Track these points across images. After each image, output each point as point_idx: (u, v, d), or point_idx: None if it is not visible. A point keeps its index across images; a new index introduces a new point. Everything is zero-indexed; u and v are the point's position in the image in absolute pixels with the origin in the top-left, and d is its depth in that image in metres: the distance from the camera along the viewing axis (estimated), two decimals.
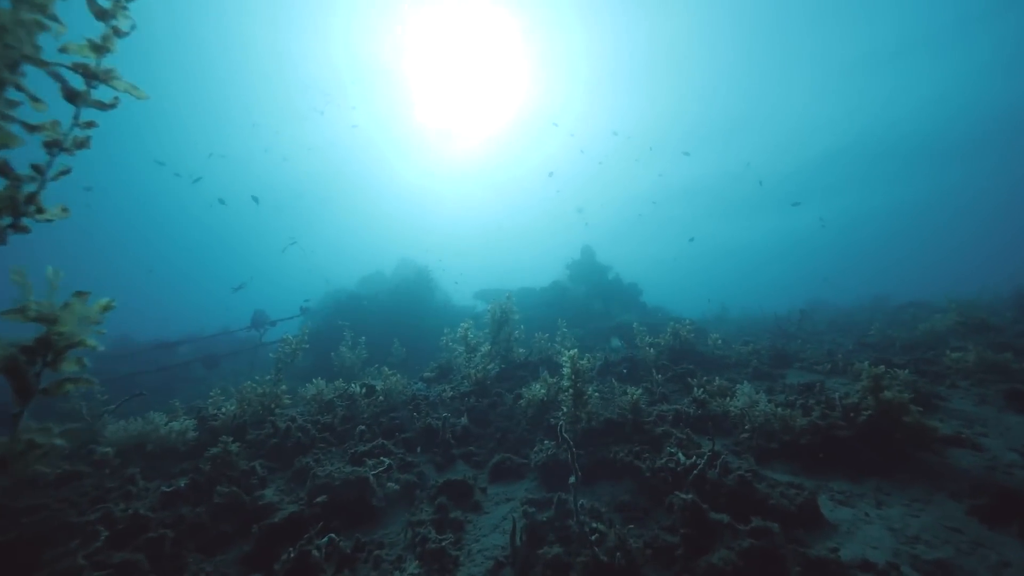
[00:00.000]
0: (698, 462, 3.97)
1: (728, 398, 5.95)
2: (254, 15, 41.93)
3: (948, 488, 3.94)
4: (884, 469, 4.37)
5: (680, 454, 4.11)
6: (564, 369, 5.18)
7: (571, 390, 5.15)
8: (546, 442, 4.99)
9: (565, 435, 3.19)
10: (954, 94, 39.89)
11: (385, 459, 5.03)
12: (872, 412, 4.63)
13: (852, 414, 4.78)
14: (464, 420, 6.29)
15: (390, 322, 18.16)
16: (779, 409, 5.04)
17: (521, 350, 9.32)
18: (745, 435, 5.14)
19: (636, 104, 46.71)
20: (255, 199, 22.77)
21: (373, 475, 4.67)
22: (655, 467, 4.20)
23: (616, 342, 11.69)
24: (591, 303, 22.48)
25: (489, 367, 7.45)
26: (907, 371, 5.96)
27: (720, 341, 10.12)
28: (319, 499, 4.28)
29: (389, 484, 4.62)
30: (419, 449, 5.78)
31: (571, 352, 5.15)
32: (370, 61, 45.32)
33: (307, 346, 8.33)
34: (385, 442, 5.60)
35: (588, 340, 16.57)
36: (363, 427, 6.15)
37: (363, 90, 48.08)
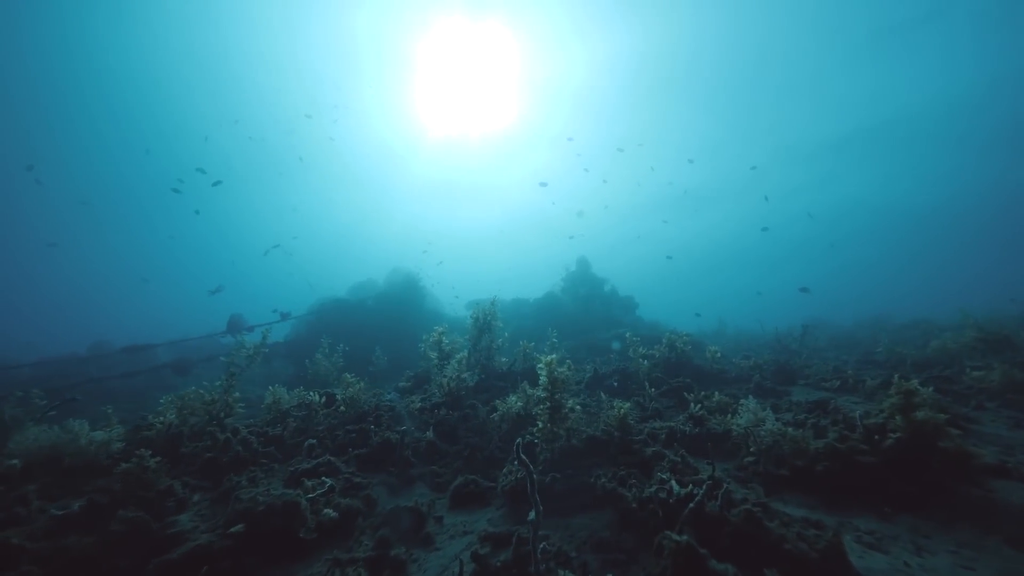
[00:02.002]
0: (695, 492, 3.24)
1: (730, 415, 5.23)
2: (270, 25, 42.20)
3: (1002, 531, 3.20)
4: (918, 503, 3.64)
5: (673, 482, 3.37)
6: (540, 378, 4.47)
7: (548, 402, 4.43)
8: (516, 463, 4.24)
9: (523, 456, 2.48)
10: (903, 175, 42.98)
11: (327, 479, 4.27)
12: (901, 435, 3.92)
13: (877, 437, 4.07)
14: (430, 435, 5.54)
15: (376, 330, 17.42)
16: (789, 429, 4.33)
17: (503, 359, 8.60)
18: (750, 459, 4.41)
19: (635, 125, 47.38)
20: (216, 182, 22.02)
21: (308, 499, 3.91)
22: (643, 497, 3.46)
23: (617, 344, 10.74)
24: (585, 315, 21.77)
25: (464, 376, 6.71)
26: (931, 388, 5.26)
27: (719, 354, 9.41)
28: (234, 528, 3.51)
29: (326, 511, 3.86)
30: (374, 468, 5.02)
31: (548, 358, 4.45)
32: (381, 69, 45.49)
33: (267, 351, 7.58)
34: (333, 459, 4.84)
35: (580, 352, 15.82)
36: (313, 441, 5.39)
37: (370, 94, 48.06)
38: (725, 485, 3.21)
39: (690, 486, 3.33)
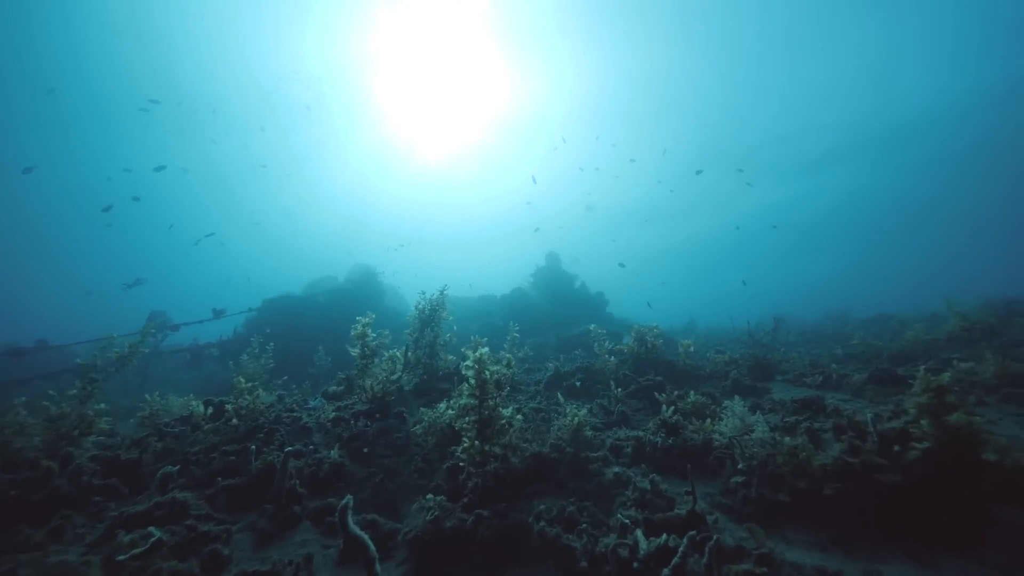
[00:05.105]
0: (672, 545, 2.18)
1: (709, 420, 4.25)
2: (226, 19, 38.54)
3: None
4: (962, 539, 2.72)
5: (639, 532, 2.30)
6: (468, 380, 3.33)
7: (476, 413, 3.28)
8: (430, 496, 3.08)
9: (358, 532, 1.33)
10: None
11: (155, 531, 2.97)
12: (931, 445, 3.01)
13: (897, 448, 3.15)
14: (334, 454, 4.29)
15: (326, 328, 15.84)
16: (786, 439, 3.36)
17: (451, 357, 7.41)
18: (738, 479, 3.41)
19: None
20: (127, 169, 19.80)
21: (120, 561, 2.61)
22: (596, 552, 2.37)
23: (613, 360, 9.11)
24: (554, 311, 20.84)
25: (394, 377, 5.49)
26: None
27: (692, 348, 8.55)
28: None
29: None
30: (247, 505, 3.73)
31: (478, 353, 3.31)
32: (344, 69, 42.61)
33: (147, 351, 6.10)
34: (186, 495, 3.52)
35: (546, 350, 14.82)
36: (172, 468, 4.03)
37: (335, 94, 44.96)
38: (715, 536, 2.15)
39: (664, 536, 2.26)
